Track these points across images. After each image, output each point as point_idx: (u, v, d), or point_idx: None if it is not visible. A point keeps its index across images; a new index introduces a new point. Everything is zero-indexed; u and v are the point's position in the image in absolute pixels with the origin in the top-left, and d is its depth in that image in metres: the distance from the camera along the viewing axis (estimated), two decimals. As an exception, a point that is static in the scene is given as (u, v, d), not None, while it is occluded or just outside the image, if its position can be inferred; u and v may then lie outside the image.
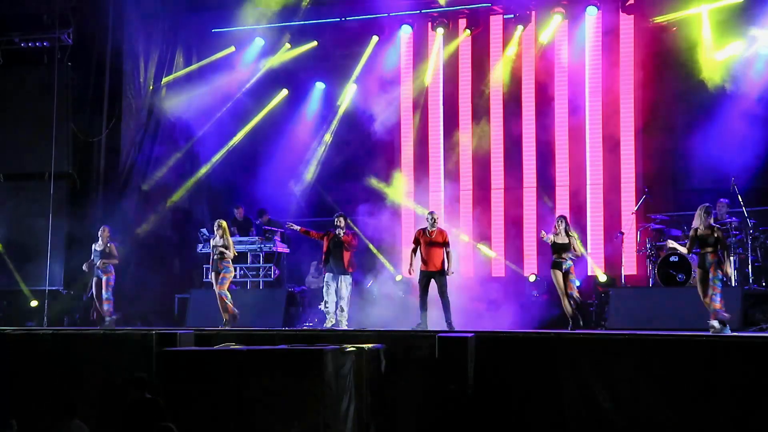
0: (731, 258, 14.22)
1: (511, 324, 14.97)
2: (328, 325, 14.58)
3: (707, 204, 12.61)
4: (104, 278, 15.59)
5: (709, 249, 12.33)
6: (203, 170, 19.21)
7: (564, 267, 13.63)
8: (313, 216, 18.83)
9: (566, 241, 13.70)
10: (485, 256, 17.77)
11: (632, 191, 16.98)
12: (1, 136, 18.60)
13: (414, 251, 14.27)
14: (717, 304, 12.17)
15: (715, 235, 12.32)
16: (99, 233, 15.78)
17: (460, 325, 13.81)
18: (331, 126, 19.31)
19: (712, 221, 12.44)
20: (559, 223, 13.83)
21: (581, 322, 13.59)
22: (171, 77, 18.93)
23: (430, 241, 14.02)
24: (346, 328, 14.37)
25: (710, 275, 12.28)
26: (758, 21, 16.50)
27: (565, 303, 13.60)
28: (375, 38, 18.74)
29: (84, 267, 15.88)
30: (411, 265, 14.30)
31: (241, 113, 19.40)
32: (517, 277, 17.38)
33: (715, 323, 12.09)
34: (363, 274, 17.19)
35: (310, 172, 19.27)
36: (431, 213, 14.33)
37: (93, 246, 15.79)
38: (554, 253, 13.76)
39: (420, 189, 18.40)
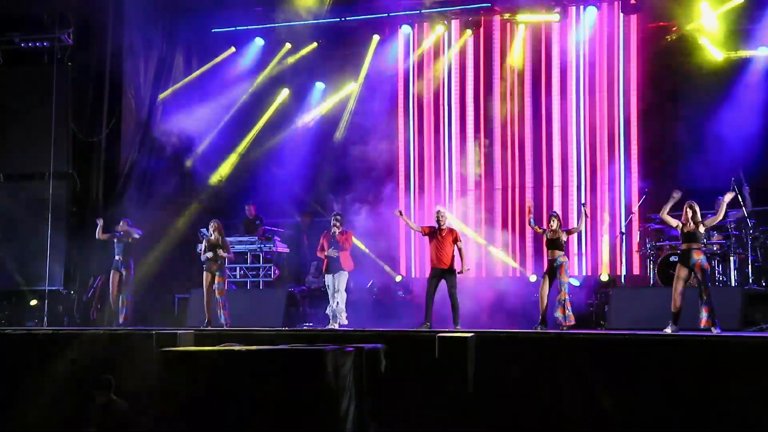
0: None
1: (511, 324, 14.99)
2: (332, 326, 14.55)
3: (692, 201, 12.54)
4: (125, 274, 15.61)
5: (695, 245, 12.31)
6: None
7: (554, 265, 13.59)
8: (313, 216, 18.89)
9: (558, 237, 13.67)
10: (489, 257, 17.77)
11: (632, 191, 16.98)
12: (1, 136, 18.60)
13: (415, 226, 14.55)
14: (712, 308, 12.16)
15: (700, 230, 12.29)
16: (119, 227, 15.81)
17: (460, 325, 13.83)
18: (331, 125, 19.31)
19: (699, 217, 12.38)
20: (552, 219, 13.81)
21: (546, 326, 13.40)
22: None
23: (440, 239, 14.02)
24: (345, 323, 14.32)
25: (699, 276, 12.23)
26: (758, 21, 16.53)
27: (543, 301, 13.56)
28: (375, 38, 18.77)
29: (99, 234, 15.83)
30: (407, 222, 14.75)
31: (241, 112, 19.40)
32: (517, 278, 17.38)
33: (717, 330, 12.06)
34: (363, 275, 17.20)
35: (310, 172, 19.31)
36: (438, 211, 14.31)
37: (114, 241, 15.80)
38: (548, 250, 13.76)
39: (420, 189, 18.41)
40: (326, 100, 19.44)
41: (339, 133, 19.08)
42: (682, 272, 12.33)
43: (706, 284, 12.26)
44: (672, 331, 12.03)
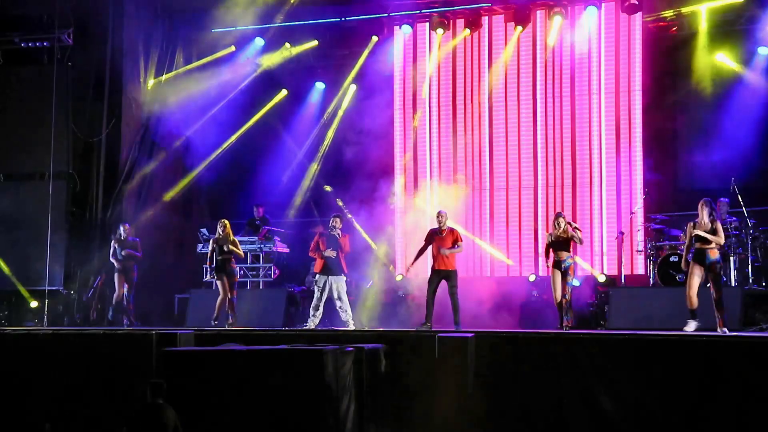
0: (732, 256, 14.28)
1: (511, 324, 14.97)
2: (310, 326, 14.41)
3: (707, 199, 12.37)
4: (127, 275, 15.66)
5: (710, 245, 12.25)
6: (201, 166, 19.21)
7: (563, 266, 13.58)
8: (311, 216, 18.88)
9: (564, 238, 13.62)
10: (489, 256, 17.76)
11: (632, 191, 16.97)
12: (1, 136, 18.60)
13: (422, 250, 14.25)
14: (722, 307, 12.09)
15: (714, 227, 12.18)
16: (120, 230, 15.81)
17: (460, 325, 13.83)
18: (330, 126, 19.32)
19: (714, 216, 12.26)
20: (558, 221, 13.77)
21: (566, 325, 13.36)
22: (170, 75, 18.92)
23: (441, 241, 13.99)
24: (354, 327, 14.27)
25: (712, 275, 12.16)
26: (758, 21, 16.53)
27: (558, 303, 13.58)
28: (374, 38, 18.76)
29: (111, 259, 15.91)
30: (413, 263, 14.32)
31: (241, 113, 19.40)
32: (517, 277, 17.37)
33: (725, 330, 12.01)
34: (363, 275, 17.20)
35: (309, 172, 19.29)
36: (440, 213, 14.30)
37: (114, 244, 15.80)
38: (554, 252, 13.71)
39: (418, 188, 18.42)
40: (325, 101, 19.44)
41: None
42: (697, 270, 12.19)
43: (719, 285, 12.19)
44: (694, 329, 11.92)
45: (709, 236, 12.07)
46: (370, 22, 18.71)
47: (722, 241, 12.29)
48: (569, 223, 13.76)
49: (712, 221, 12.17)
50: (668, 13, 17.16)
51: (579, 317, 14.43)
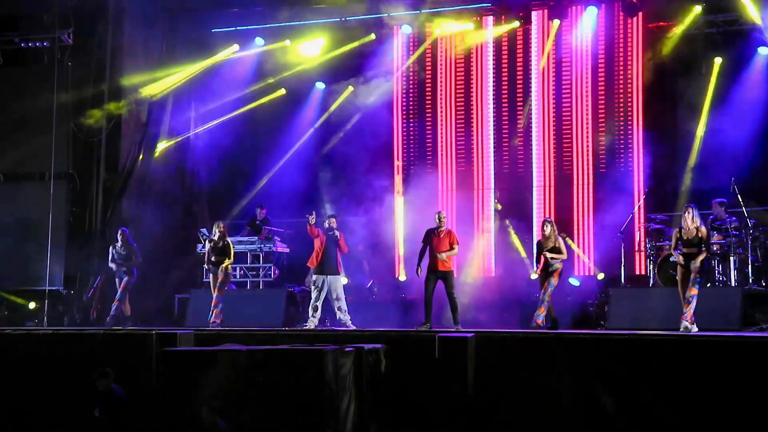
0: (730, 258, 14.29)
1: (511, 324, 14.97)
2: (310, 326, 14.38)
3: (691, 204, 12.50)
4: (125, 279, 15.62)
5: (694, 250, 12.26)
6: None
7: (550, 269, 13.59)
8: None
9: (554, 244, 13.61)
10: (489, 256, 17.78)
11: (632, 191, 16.97)
12: (1, 136, 18.61)
13: (422, 251, 14.17)
14: (692, 306, 12.13)
15: (699, 235, 12.22)
16: (117, 236, 15.78)
17: (460, 325, 13.83)
18: (330, 125, 19.32)
19: (698, 221, 12.32)
20: (546, 226, 13.75)
21: (553, 325, 13.36)
22: (170, 74, 18.93)
23: (437, 241, 13.97)
24: (353, 327, 14.26)
25: (692, 276, 12.21)
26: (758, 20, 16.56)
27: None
28: (373, 36, 18.77)
29: (112, 265, 15.88)
30: (419, 265, 14.09)
31: (240, 112, 19.43)
32: (517, 277, 17.35)
33: (687, 324, 12.07)
34: (364, 275, 17.20)
35: (309, 172, 19.32)
36: (439, 213, 14.28)
37: (111, 249, 15.80)
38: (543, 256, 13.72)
39: (417, 188, 18.43)
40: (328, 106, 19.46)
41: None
42: (681, 273, 12.30)
43: (695, 283, 12.22)
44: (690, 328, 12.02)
45: (695, 250, 12.14)
46: (370, 22, 18.72)
47: (708, 252, 12.33)
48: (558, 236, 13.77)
49: (697, 228, 12.22)
50: (668, 15, 17.16)
51: (579, 317, 14.38)
